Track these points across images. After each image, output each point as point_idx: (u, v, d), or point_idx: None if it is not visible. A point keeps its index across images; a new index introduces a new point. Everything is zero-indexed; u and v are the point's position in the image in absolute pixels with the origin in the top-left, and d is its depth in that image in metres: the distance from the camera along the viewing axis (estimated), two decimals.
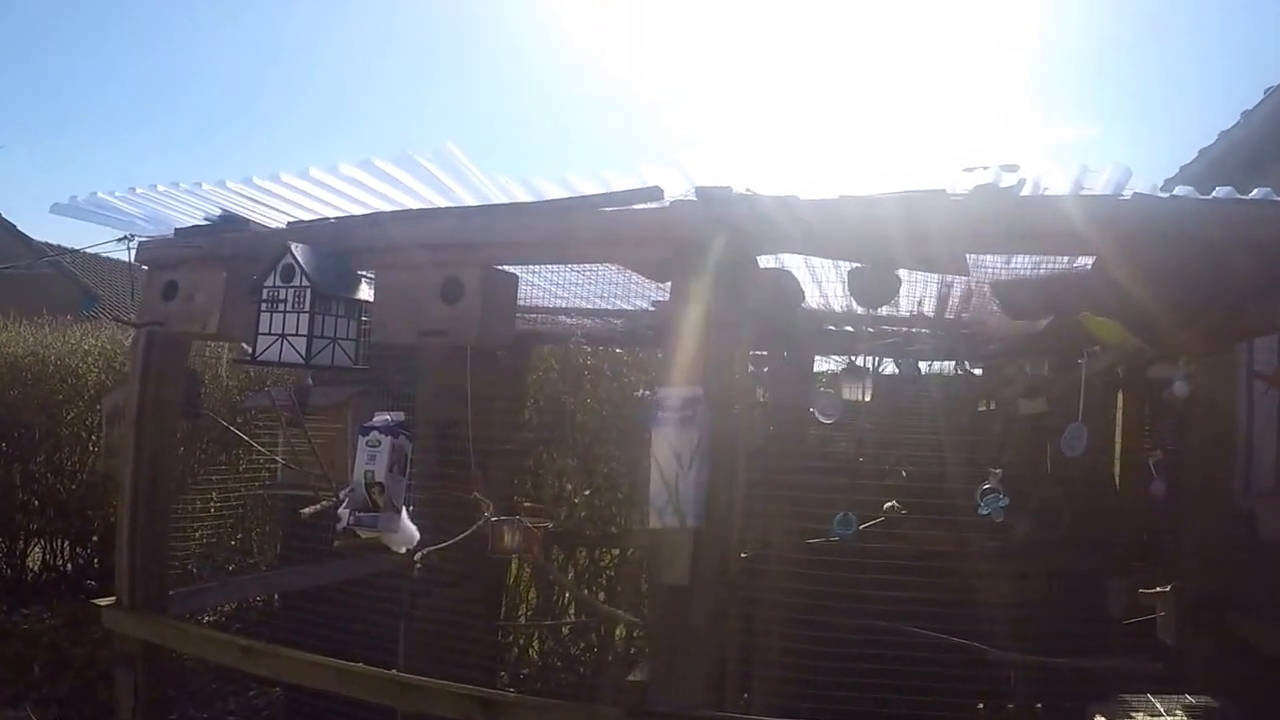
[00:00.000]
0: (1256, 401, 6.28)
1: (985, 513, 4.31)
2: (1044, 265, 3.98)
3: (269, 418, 6.16)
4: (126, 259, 4.42)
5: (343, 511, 3.38)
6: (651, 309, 5.18)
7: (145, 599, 4.25)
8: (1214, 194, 3.10)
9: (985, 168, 3.14)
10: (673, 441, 2.95)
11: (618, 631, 6.61)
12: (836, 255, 3.48)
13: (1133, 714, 4.15)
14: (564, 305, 5.24)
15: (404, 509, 3.42)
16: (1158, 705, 4.64)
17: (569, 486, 6.43)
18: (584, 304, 5.22)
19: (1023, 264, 3.96)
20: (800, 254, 3.63)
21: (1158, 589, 4.95)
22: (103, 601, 4.33)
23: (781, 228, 3.18)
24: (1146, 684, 4.69)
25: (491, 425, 4.82)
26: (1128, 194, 3.12)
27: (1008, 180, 3.11)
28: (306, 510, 3.92)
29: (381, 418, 3.43)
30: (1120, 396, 6.09)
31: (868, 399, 5.42)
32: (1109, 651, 5.33)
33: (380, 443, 3.35)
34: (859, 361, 5.70)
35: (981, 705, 5.79)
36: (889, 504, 5.34)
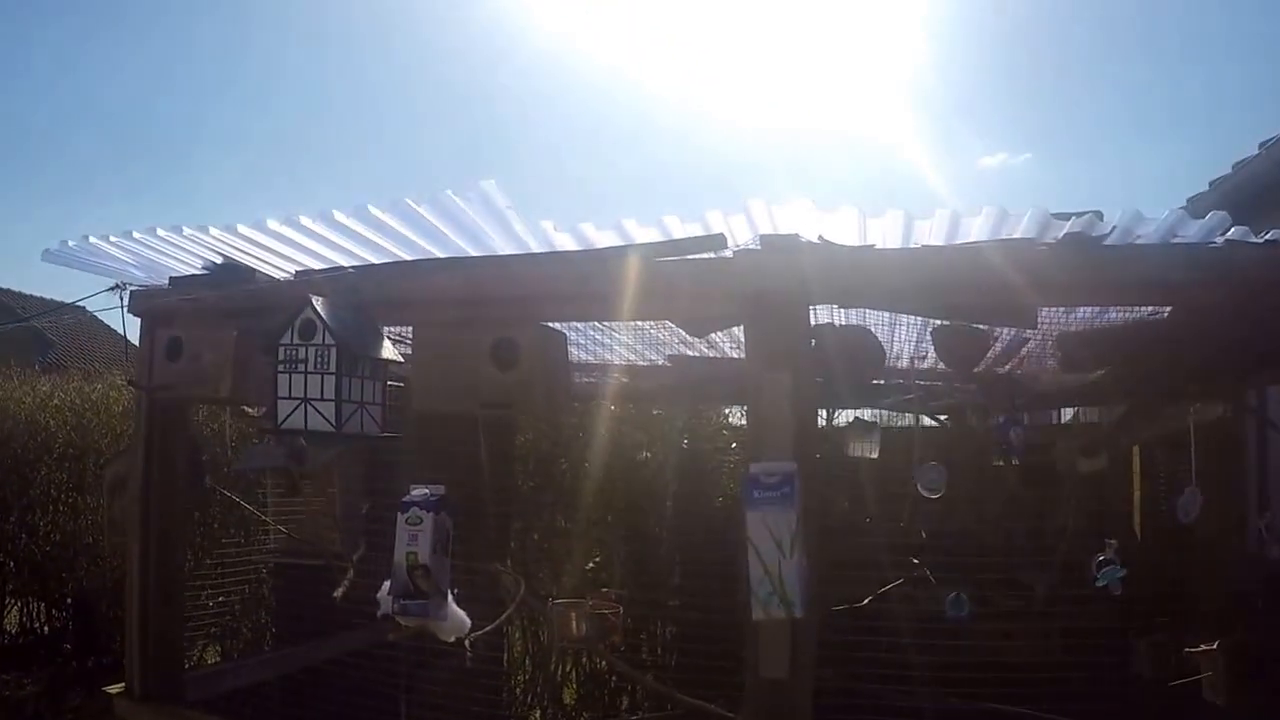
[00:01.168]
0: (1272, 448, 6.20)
1: (1103, 584, 4.11)
2: (1106, 315, 3.78)
3: (248, 480, 5.86)
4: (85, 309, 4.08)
5: (383, 598, 3.04)
6: (667, 364, 4.93)
7: (160, 687, 3.89)
8: None
9: (1080, 214, 2.91)
10: (772, 525, 2.65)
11: (623, 700, 6.31)
12: (916, 309, 3.23)
13: None
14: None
15: (450, 592, 3.08)
16: None
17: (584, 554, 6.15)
18: (587, 358, 4.94)
19: (1085, 314, 3.75)
20: (877, 309, 3.37)
21: (1203, 647, 4.75)
22: (113, 689, 3.98)
23: (857, 280, 2.92)
24: None
25: (484, 488, 4.50)
26: (1219, 240, 2.91)
27: (1099, 229, 2.88)
28: (338, 592, 3.59)
29: (420, 491, 3.07)
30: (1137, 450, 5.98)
31: (875, 455, 5.23)
32: (1139, 713, 5.18)
33: (422, 520, 2.99)
34: (867, 416, 5.53)
35: None
36: (914, 561, 5.12)
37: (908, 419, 6.33)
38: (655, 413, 6.62)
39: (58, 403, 8.85)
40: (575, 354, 4.74)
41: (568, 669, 6.64)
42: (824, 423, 6.41)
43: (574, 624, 3.49)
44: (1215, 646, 4.67)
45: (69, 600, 8.41)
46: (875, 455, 5.27)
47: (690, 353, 4.63)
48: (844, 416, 6.11)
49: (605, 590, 4.01)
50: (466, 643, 3.27)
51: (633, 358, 4.99)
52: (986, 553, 5.67)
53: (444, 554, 3.04)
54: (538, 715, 6.61)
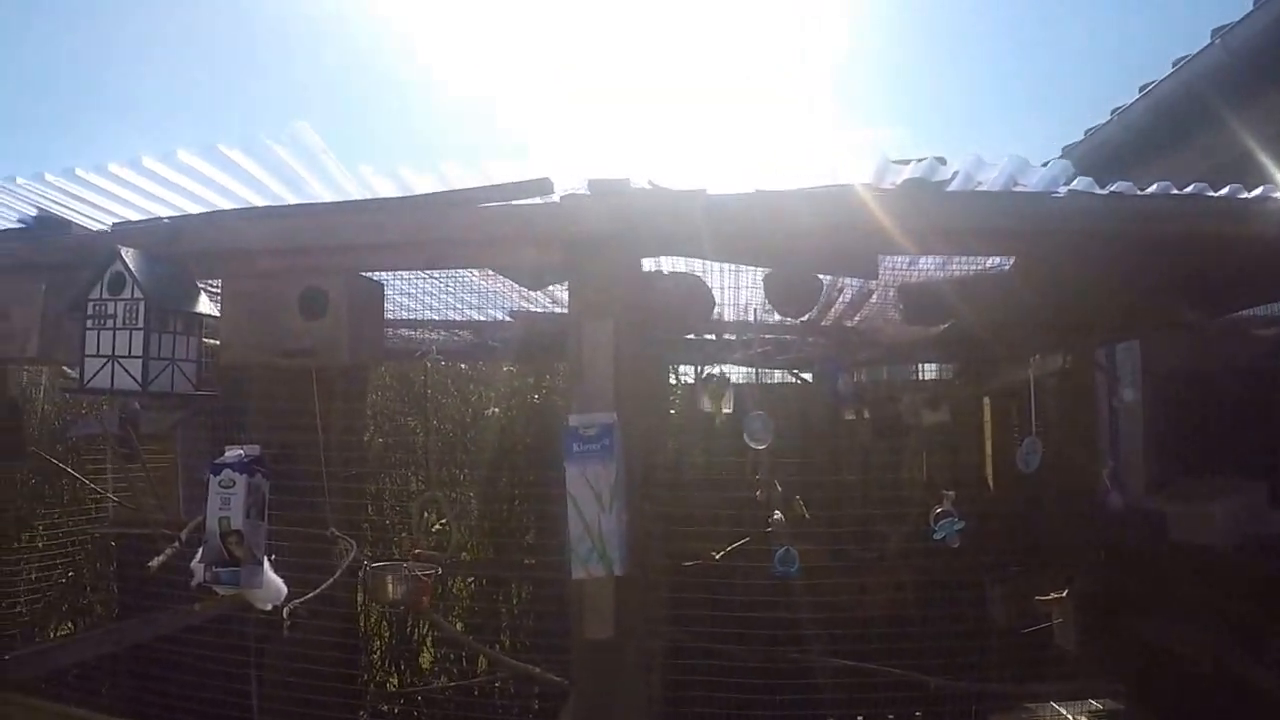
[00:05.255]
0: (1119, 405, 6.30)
1: (940, 537, 4.07)
2: (949, 266, 3.74)
3: (95, 447, 5.63)
4: None
5: (196, 566, 2.87)
6: (509, 319, 4.82)
7: None
8: (1149, 190, 2.90)
9: (920, 159, 2.84)
10: (592, 478, 2.55)
11: (480, 662, 6.20)
12: (749, 258, 3.14)
13: None
14: (405, 317, 4.81)
15: (266, 558, 2.93)
16: (1064, 713, 4.51)
17: (427, 515, 6.01)
18: (430, 314, 4.81)
19: (928, 265, 3.71)
20: (707, 258, 3.27)
21: (1053, 595, 4.81)
22: None
23: (689, 226, 2.81)
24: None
25: (330, 449, 4.33)
26: (1062, 191, 2.87)
27: (940, 174, 2.82)
28: (154, 563, 3.40)
29: (234, 452, 2.91)
30: (988, 402, 6.02)
31: (728, 411, 5.18)
32: (995, 661, 5.23)
33: (234, 483, 2.83)
34: (717, 371, 5.47)
35: None
36: (775, 515, 5.08)
37: (779, 375, 6.33)
38: (506, 369, 6.52)
39: None
40: (422, 311, 4.63)
41: (424, 632, 6.51)
42: (678, 379, 6.39)
43: (390, 587, 3.39)
44: (1065, 594, 4.73)
45: None
46: (729, 410, 5.23)
47: (534, 308, 4.53)
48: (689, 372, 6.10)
49: (418, 551, 3.86)
50: (285, 611, 3.12)
51: (476, 315, 4.88)
52: (841, 506, 5.67)
53: (259, 518, 2.89)
54: (395, 680, 6.49)
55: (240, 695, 4.62)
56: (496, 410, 6.40)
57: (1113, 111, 6.57)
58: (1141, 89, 6.24)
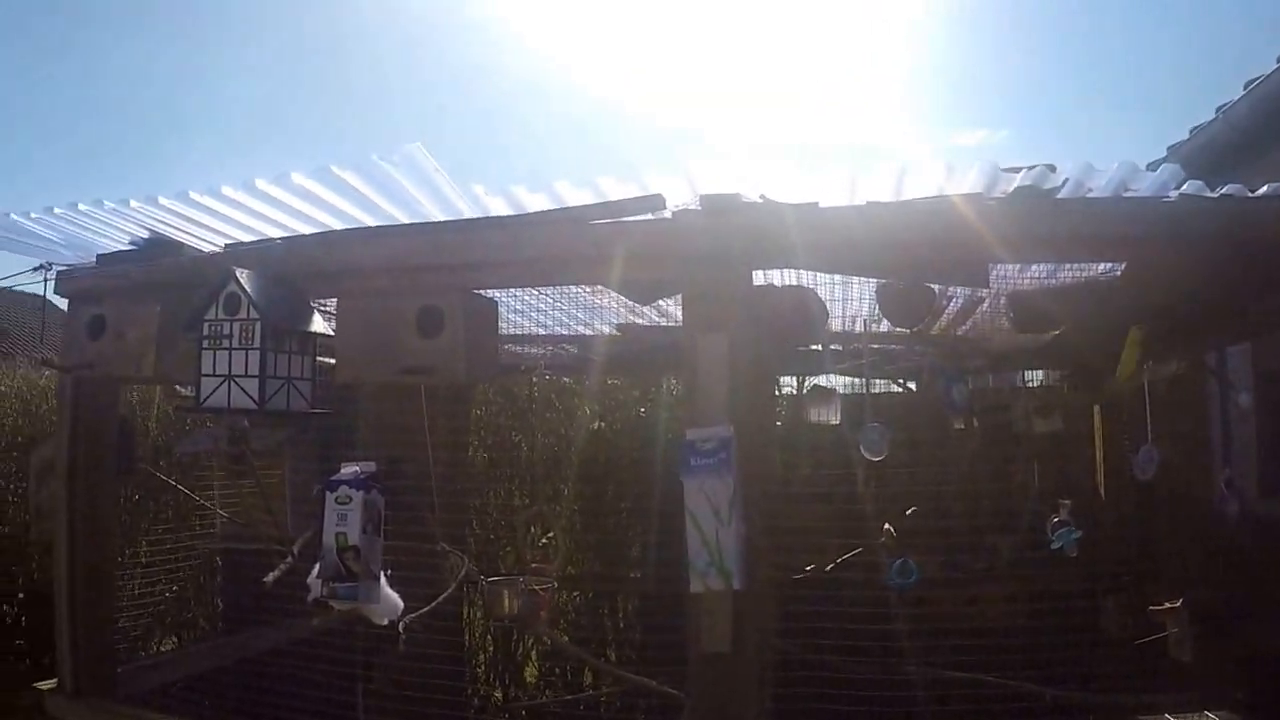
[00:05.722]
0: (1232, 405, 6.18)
1: (1057, 546, 4.01)
2: (1060, 273, 3.69)
3: (201, 464, 5.71)
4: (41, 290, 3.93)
5: (313, 581, 2.91)
6: (615, 333, 4.82)
7: (91, 682, 3.75)
8: (1260, 192, 2.83)
9: (1030, 168, 2.81)
10: (710, 492, 2.54)
11: (586, 674, 6.21)
12: (859, 270, 3.11)
13: None
14: (512, 332, 4.82)
15: (382, 574, 2.95)
16: None
17: (533, 529, 6.03)
18: (537, 329, 4.82)
19: (1039, 272, 3.65)
20: (818, 270, 3.26)
21: (1168, 605, 4.71)
22: (44, 685, 3.86)
23: (802, 239, 2.79)
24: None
25: (436, 464, 4.37)
26: (1173, 195, 2.82)
27: (1050, 182, 2.78)
28: (270, 577, 3.46)
29: (350, 469, 2.94)
30: (1098, 409, 5.93)
31: (836, 421, 5.13)
32: (1107, 672, 5.14)
33: (351, 499, 2.87)
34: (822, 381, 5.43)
35: None
36: (887, 526, 5.03)
37: (883, 384, 6.27)
38: (610, 382, 6.53)
39: (4, 389, 8.62)
40: (528, 327, 4.65)
41: (529, 646, 6.53)
42: (784, 390, 6.35)
43: (506, 601, 3.40)
44: (1179, 604, 4.64)
45: (19, 595, 8.14)
46: (836, 421, 5.19)
47: (640, 321, 4.53)
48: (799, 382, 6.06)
49: (535, 566, 3.88)
50: (401, 626, 3.15)
51: (583, 330, 4.89)
52: (951, 516, 5.61)
53: (375, 534, 2.92)
54: (499, 694, 6.51)
55: (345, 708, 4.66)
56: (602, 423, 6.41)
57: (1217, 109, 6.47)
58: (1246, 85, 6.13)
